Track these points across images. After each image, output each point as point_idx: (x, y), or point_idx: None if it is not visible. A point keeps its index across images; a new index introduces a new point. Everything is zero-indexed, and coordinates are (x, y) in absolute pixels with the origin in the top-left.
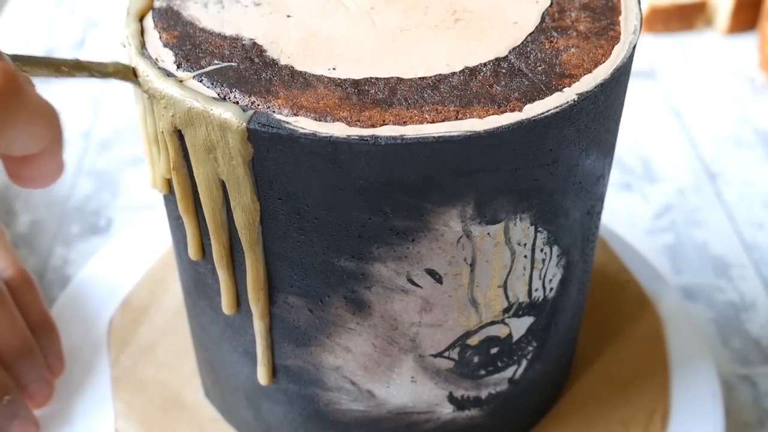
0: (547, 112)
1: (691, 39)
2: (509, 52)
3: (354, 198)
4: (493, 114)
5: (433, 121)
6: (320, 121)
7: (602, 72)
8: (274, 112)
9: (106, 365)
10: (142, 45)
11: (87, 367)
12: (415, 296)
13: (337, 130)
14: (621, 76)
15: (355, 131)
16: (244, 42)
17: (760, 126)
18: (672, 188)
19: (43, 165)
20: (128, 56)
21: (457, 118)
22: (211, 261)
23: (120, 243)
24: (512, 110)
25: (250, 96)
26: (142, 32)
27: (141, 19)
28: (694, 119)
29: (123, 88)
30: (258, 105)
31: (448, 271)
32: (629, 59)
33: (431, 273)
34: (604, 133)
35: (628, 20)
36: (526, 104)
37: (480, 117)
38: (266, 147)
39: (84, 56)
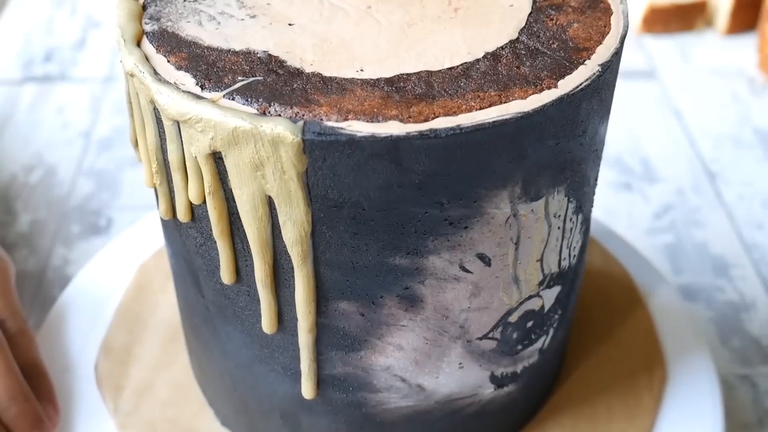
0: (581, 85)
1: (691, 39)
2: (519, 33)
3: (412, 194)
4: (533, 93)
5: (480, 108)
6: (373, 122)
7: (612, 42)
8: (322, 120)
9: (105, 413)
10: (154, 71)
11: (86, 419)
12: (466, 282)
13: (394, 128)
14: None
15: (412, 127)
16: (258, 55)
17: (760, 126)
18: (672, 188)
19: None
20: (141, 84)
21: (501, 102)
22: (246, 283)
23: (80, 285)
24: (549, 88)
25: (291, 107)
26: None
27: (137, 44)
28: (694, 119)
29: (123, 88)
30: (304, 115)
31: (497, 252)
32: (627, 27)
33: (481, 257)
34: (611, 100)
35: None
36: (559, 80)
37: (522, 98)
38: (322, 156)
39: (84, 56)
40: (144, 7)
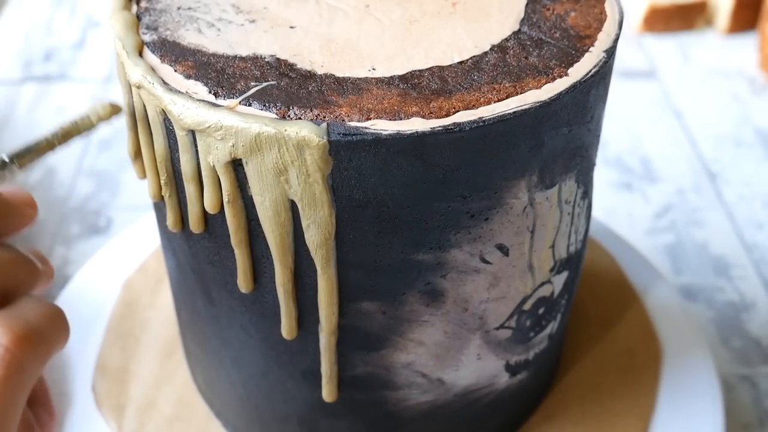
0: (591, 71)
1: (691, 39)
2: (520, 24)
3: (436, 189)
4: (546, 83)
5: (498, 100)
6: (395, 120)
7: (611, 28)
8: (344, 120)
9: None
10: (162, 81)
11: None
12: (485, 273)
13: (418, 125)
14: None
15: (436, 123)
16: (266, 59)
17: (760, 126)
18: (672, 188)
19: None
20: (150, 95)
21: (517, 93)
22: (263, 290)
23: (69, 298)
24: (560, 76)
25: (311, 110)
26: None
27: (139, 55)
28: (694, 119)
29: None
30: (325, 117)
31: (514, 242)
32: (623, 13)
33: (500, 247)
34: (609, 86)
35: None
36: (568, 68)
37: (536, 87)
38: (348, 157)
39: (84, 56)
40: (138, 18)
